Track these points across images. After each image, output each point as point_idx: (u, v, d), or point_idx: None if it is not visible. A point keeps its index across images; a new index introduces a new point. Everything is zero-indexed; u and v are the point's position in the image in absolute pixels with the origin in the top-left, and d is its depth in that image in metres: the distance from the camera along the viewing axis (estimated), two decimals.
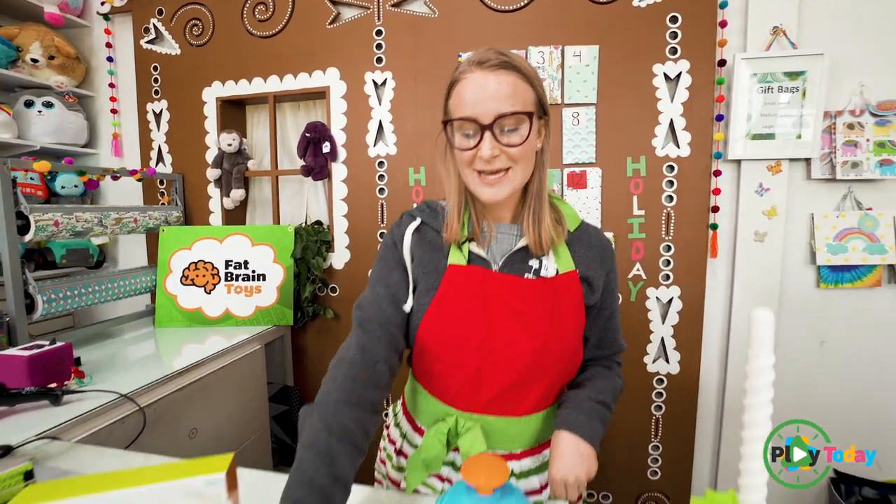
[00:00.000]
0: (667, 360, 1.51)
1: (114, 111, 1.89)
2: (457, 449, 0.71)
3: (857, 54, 1.35)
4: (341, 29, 1.64)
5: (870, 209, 1.39)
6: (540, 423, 0.72)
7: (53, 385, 1.01)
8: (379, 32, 1.61)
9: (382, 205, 1.68)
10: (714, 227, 1.44)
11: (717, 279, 1.49)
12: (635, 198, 1.48)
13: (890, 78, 1.34)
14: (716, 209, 1.44)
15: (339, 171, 1.70)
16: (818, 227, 1.41)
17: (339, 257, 1.73)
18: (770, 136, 1.39)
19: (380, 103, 1.64)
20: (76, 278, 1.40)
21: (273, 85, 1.71)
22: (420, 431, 0.75)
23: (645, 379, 1.52)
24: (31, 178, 1.69)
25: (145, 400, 1.07)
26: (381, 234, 1.68)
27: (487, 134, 0.61)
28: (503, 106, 0.60)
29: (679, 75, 1.42)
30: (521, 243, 0.69)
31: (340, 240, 1.72)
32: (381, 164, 1.66)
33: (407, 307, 0.70)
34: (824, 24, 1.36)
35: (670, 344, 1.50)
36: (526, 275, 0.68)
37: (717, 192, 1.43)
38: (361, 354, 0.63)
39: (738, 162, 1.43)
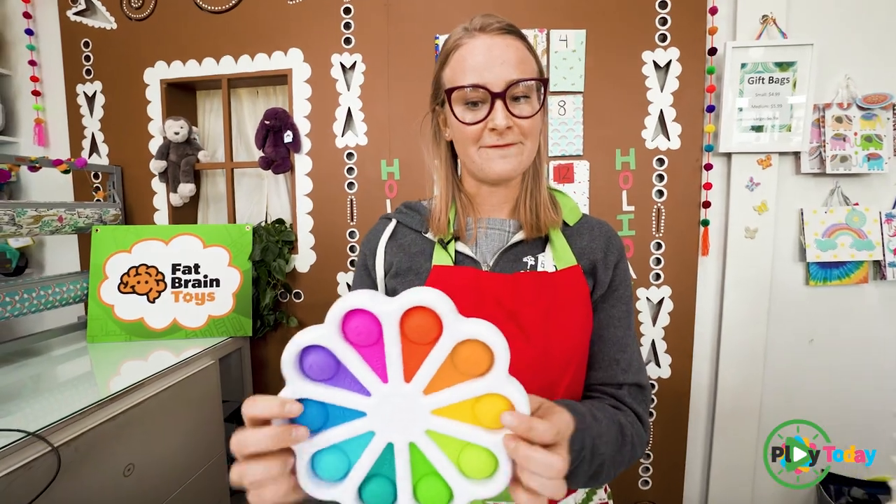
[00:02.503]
0: (658, 364, 1.43)
1: (36, 93, 1.64)
2: None
3: (845, 45, 1.32)
4: (305, 5, 1.48)
5: (856, 204, 1.37)
6: None
7: None
8: (347, 10, 1.46)
9: (352, 200, 1.52)
10: (705, 223, 1.38)
11: (707, 278, 1.43)
12: (625, 192, 1.40)
13: (876, 70, 1.32)
14: (707, 205, 1.37)
15: (302, 163, 1.53)
16: (807, 223, 1.38)
17: (303, 259, 1.56)
18: (760, 129, 1.34)
19: (348, 89, 1.49)
20: None
21: (227, 66, 1.52)
22: None
23: None
24: None
25: (65, 436, 0.88)
26: (351, 233, 1.53)
27: (499, 103, 0.53)
28: (514, 72, 0.53)
29: (669, 63, 1.35)
30: (516, 238, 0.61)
31: (305, 240, 1.55)
32: (349, 155, 1.51)
33: None
34: (813, 14, 1.32)
35: (661, 346, 1.43)
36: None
37: (708, 186, 1.37)
38: None
39: (729, 155, 1.38)
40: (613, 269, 0.60)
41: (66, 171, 1.38)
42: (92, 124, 1.61)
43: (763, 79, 1.33)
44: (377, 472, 0.38)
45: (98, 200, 1.60)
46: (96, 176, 1.62)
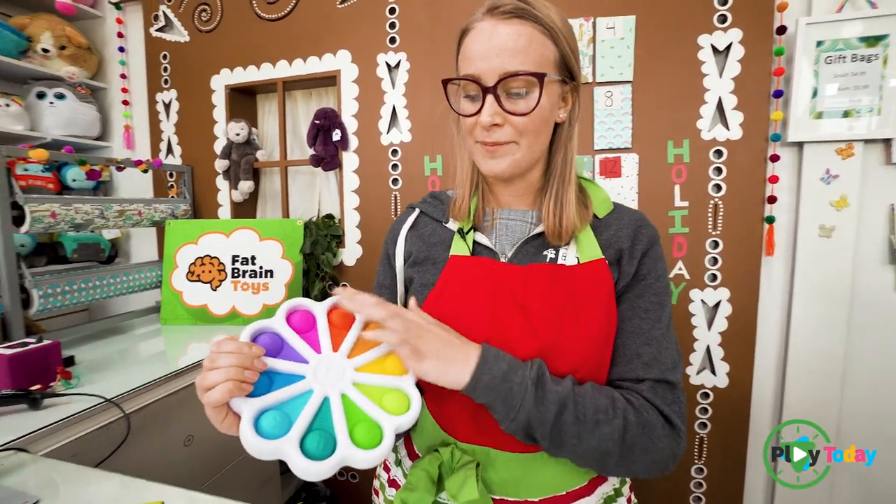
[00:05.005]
0: (713, 372, 1.33)
1: (125, 102, 1.85)
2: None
3: None
4: (352, 8, 1.53)
5: None
6: (560, 461, 0.55)
7: (37, 387, 0.94)
8: (392, 10, 1.49)
9: (396, 196, 1.56)
10: (770, 220, 1.26)
11: (773, 280, 1.30)
12: (677, 187, 1.31)
13: None
14: (772, 200, 1.25)
15: (350, 160, 1.60)
16: None
17: (350, 253, 1.62)
18: (841, 114, 1.19)
19: (393, 87, 1.53)
20: (74, 273, 1.35)
21: (282, 70, 1.62)
22: (415, 457, 0.63)
23: (687, 393, 1.35)
24: (44, 170, 1.66)
25: (135, 404, 0.99)
26: None
27: (489, 98, 0.51)
28: (510, 63, 0.50)
29: (729, 47, 1.24)
30: (537, 230, 0.58)
31: (351, 234, 1.62)
32: (394, 152, 1.55)
33: None
34: None
35: (717, 353, 1.32)
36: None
37: (773, 179, 1.24)
38: None
39: (800, 145, 1.24)
40: (641, 258, 0.56)
41: (145, 171, 1.55)
42: (168, 128, 1.79)
43: (844, 57, 1.18)
44: (316, 426, 0.44)
45: (172, 197, 1.77)
46: (171, 174, 1.80)
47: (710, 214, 1.29)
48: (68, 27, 1.73)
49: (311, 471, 0.40)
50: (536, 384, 0.48)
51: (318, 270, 1.60)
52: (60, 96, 1.71)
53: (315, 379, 0.46)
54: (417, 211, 0.67)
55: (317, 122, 1.56)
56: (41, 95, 1.70)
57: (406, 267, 0.64)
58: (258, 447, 0.41)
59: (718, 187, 1.28)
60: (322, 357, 0.48)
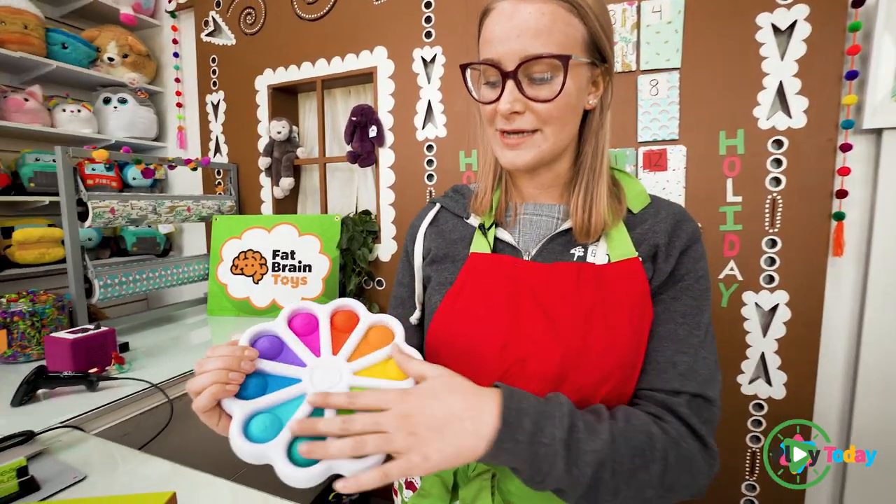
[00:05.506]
0: (768, 382, 1.22)
1: (179, 105, 1.97)
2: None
3: None
4: (388, 5, 1.53)
5: None
6: None
7: (94, 370, 1.02)
8: (428, 4, 1.48)
9: (431, 192, 1.56)
10: (839, 216, 1.13)
11: (841, 283, 1.18)
12: (730, 181, 1.21)
13: None
14: (842, 194, 1.13)
15: (386, 156, 1.61)
16: None
17: (385, 249, 1.64)
18: None
19: (429, 82, 1.51)
20: (130, 265, 1.44)
21: (321, 69, 1.66)
22: None
23: (738, 403, 1.25)
24: (108, 169, 1.79)
25: (179, 390, 1.05)
26: None
27: (509, 83, 0.47)
28: (532, 45, 0.46)
29: (793, 25, 1.12)
30: (564, 226, 0.54)
31: (387, 230, 1.63)
32: (429, 147, 1.54)
33: (414, 317, 0.64)
34: None
35: (773, 361, 1.21)
36: None
37: (844, 171, 1.12)
38: None
39: (879, 132, 1.11)
40: (679, 256, 0.51)
41: (194, 169, 1.63)
42: (216, 128, 1.88)
43: None
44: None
45: (219, 194, 1.86)
46: (218, 172, 1.89)
47: (767, 210, 1.19)
48: (130, 36, 1.86)
49: (295, 478, 0.38)
50: (568, 446, 0.40)
51: (354, 266, 1.62)
52: (123, 101, 1.84)
53: (310, 383, 0.45)
54: (438, 206, 0.65)
55: (353, 118, 1.58)
56: (107, 101, 1.84)
57: (425, 265, 0.62)
58: (244, 450, 0.39)
59: (777, 181, 1.17)
60: (320, 360, 0.47)
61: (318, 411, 0.42)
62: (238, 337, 0.47)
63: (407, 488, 0.64)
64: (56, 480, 0.66)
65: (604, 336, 0.48)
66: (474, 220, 0.60)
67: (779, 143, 1.16)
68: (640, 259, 0.51)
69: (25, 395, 0.91)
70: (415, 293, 0.65)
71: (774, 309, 1.20)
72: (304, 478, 0.38)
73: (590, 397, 0.48)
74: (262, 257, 1.60)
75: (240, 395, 0.42)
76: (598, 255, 0.52)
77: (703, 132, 1.22)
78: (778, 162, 1.17)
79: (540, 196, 0.58)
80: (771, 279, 1.20)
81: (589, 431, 0.41)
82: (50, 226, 1.60)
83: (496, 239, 0.57)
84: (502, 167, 0.58)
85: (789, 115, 1.15)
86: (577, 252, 0.53)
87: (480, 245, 0.57)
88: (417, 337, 0.65)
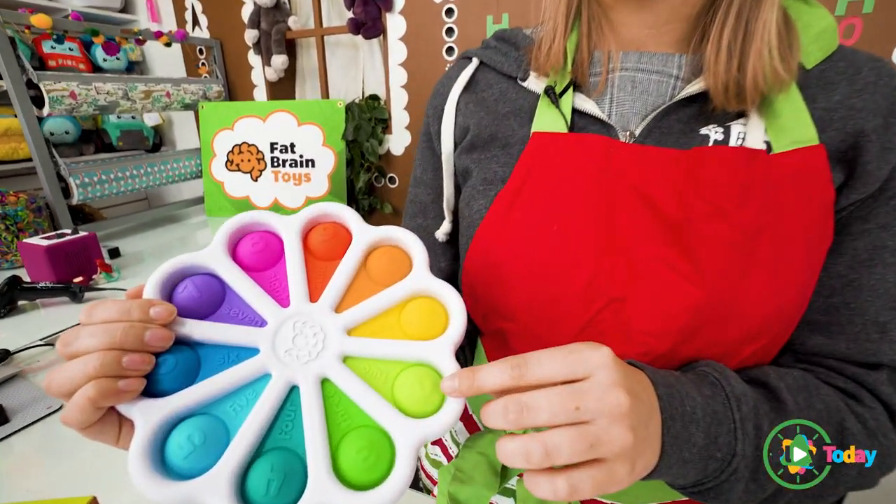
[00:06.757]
0: None
1: None
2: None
3: None
4: None
5: None
6: None
7: (79, 279, 0.91)
8: None
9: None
10: None
11: None
12: None
13: None
14: None
15: (395, 24, 1.31)
16: None
17: (397, 140, 1.42)
18: None
19: None
20: (110, 161, 1.27)
21: None
22: (474, 430, 0.48)
23: None
24: (71, 49, 1.53)
25: None
26: None
27: None
28: None
29: None
30: (691, 89, 0.33)
31: (399, 118, 1.39)
32: (449, 12, 1.23)
33: (442, 232, 0.46)
34: None
35: None
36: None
37: None
38: None
39: None
40: None
41: (168, 44, 1.37)
42: None
43: None
44: (272, 445, 0.24)
45: (204, 77, 1.60)
46: (201, 52, 1.60)
47: None
48: None
49: None
50: (755, 468, 0.28)
51: (362, 160, 1.42)
52: None
53: (276, 354, 0.26)
54: (476, 62, 0.43)
55: None
56: None
57: (459, 153, 0.43)
58: (157, 492, 0.21)
59: None
60: (290, 312, 0.28)
61: (289, 406, 0.25)
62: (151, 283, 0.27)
63: (433, 443, 0.53)
64: (28, 411, 0.57)
65: (770, 275, 0.30)
66: (536, 83, 0.39)
67: None
68: (826, 152, 0.31)
69: (2, 307, 0.81)
70: (442, 196, 0.46)
71: None
72: None
73: (724, 360, 0.32)
74: (258, 151, 1.41)
75: (150, 390, 0.24)
76: (750, 139, 0.32)
77: None
78: None
79: (648, 41, 0.36)
80: None
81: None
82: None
83: (574, 111, 0.37)
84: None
85: None
86: (713, 133, 0.33)
87: (548, 120, 0.37)
88: (447, 262, 0.48)
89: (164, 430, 0.23)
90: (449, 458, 0.51)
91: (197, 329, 0.26)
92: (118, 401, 0.23)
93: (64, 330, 0.77)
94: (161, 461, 0.23)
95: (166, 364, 0.24)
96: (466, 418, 0.50)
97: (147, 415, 0.23)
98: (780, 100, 0.32)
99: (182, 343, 0.25)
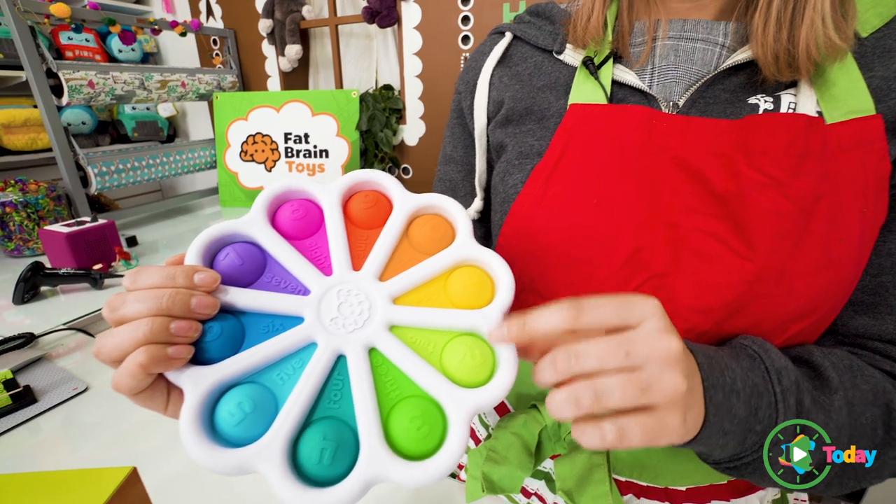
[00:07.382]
0: None
1: None
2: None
3: None
4: None
5: None
6: None
7: (98, 266, 0.92)
8: None
9: (466, 59, 1.27)
10: None
11: None
12: None
13: None
14: None
15: (410, 12, 1.29)
16: None
17: (411, 130, 1.41)
18: None
19: None
20: (127, 151, 1.28)
21: None
22: (503, 412, 0.46)
23: None
24: (87, 40, 1.54)
25: None
26: None
27: None
28: None
29: None
30: (737, 57, 0.32)
31: (413, 108, 1.38)
32: (465, 0, 1.22)
33: (474, 209, 0.45)
34: None
35: None
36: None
37: None
38: None
39: None
40: None
41: (183, 34, 1.37)
42: None
43: None
44: (322, 414, 0.24)
45: (218, 67, 1.60)
46: (215, 42, 1.61)
47: None
48: None
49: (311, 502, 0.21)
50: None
51: (376, 150, 1.42)
52: None
53: (321, 322, 0.26)
54: (510, 36, 0.42)
55: None
56: None
57: (492, 127, 0.42)
58: (208, 457, 0.21)
59: None
60: (334, 280, 0.27)
61: (336, 376, 0.25)
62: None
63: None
64: (55, 392, 0.57)
65: (823, 249, 0.29)
66: (573, 56, 0.38)
67: None
68: (884, 122, 0.30)
69: (26, 292, 0.82)
70: (474, 173, 0.45)
71: None
72: (323, 502, 0.21)
73: (769, 337, 0.31)
74: (272, 141, 1.41)
75: (196, 359, 0.23)
76: (801, 109, 0.31)
77: None
78: None
79: (691, 11, 0.34)
80: None
81: (818, 409, 0.28)
82: (35, 107, 1.42)
83: (614, 83, 0.36)
84: None
85: None
86: (763, 103, 0.32)
87: (587, 91, 0.36)
88: (478, 240, 0.48)
89: (213, 398, 0.23)
90: (476, 441, 0.51)
91: (240, 297, 0.25)
92: (168, 367, 0.22)
93: (86, 315, 0.77)
94: (211, 429, 0.22)
95: (212, 332, 0.24)
96: None
97: (196, 382, 0.22)
98: (833, 69, 0.30)
99: (228, 310, 0.25)
